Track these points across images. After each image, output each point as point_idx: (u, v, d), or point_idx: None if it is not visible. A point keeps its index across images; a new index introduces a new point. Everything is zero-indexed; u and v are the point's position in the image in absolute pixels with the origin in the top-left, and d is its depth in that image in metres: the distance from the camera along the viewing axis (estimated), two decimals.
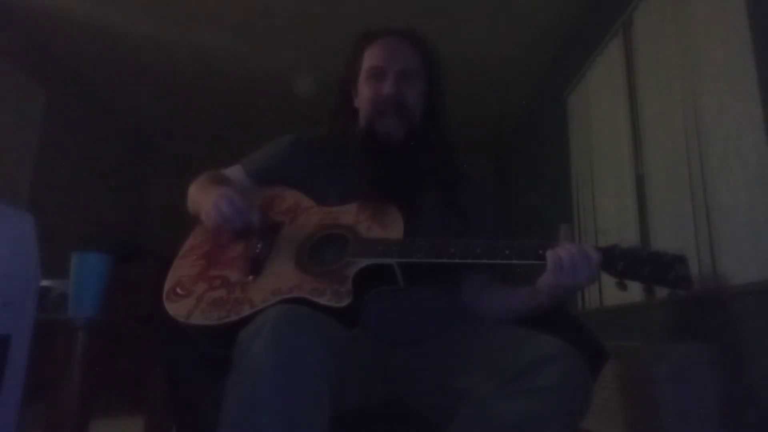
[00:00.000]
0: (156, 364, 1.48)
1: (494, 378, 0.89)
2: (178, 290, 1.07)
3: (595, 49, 2.82)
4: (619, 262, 0.93)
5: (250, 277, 1.06)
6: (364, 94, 1.25)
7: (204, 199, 1.14)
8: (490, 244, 0.98)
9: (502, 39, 3.42)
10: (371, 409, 1.05)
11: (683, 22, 2.05)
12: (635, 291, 0.96)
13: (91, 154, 4.24)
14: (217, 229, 1.12)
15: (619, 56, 2.60)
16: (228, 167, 1.31)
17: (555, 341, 0.89)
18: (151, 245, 3.81)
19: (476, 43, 3.41)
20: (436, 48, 1.30)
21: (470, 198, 1.25)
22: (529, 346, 0.90)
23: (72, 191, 3.96)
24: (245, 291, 1.02)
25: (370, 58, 1.25)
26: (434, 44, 1.30)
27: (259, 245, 1.11)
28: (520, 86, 4.02)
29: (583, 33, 3.09)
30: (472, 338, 1.03)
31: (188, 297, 1.04)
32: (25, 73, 3.39)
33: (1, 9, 3.14)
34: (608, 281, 0.94)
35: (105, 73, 4.01)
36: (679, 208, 2.00)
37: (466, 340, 1.03)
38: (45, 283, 1.30)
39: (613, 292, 2.39)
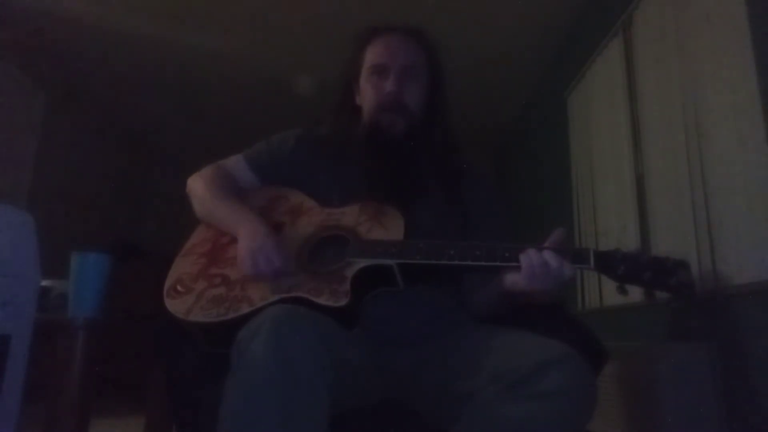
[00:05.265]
0: (156, 364, 1.48)
1: (498, 382, 0.88)
2: (179, 287, 1.07)
3: (595, 49, 2.81)
4: (620, 267, 0.93)
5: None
6: (366, 92, 1.24)
7: (234, 225, 1.11)
8: (489, 246, 0.98)
9: (502, 39, 3.42)
10: (371, 409, 1.05)
11: (683, 22, 2.05)
12: (635, 292, 0.96)
13: (91, 154, 4.25)
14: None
15: (619, 56, 2.59)
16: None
17: (560, 345, 0.89)
18: (151, 245, 3.82)
19: (476, 42, 3.40)
20: (438, 43, 1.29)
21: (473, 194, 1.25)
22: (534, 349, 0.89)
23: (72, 191, 3.96)
24: (245, 289, 1.03)
25: (372, 55, 1.24)
26: (435, 39, 1.29)
27: None
28: (520, 86, 4.01)
29: (583, 33, 3.08)
30: (474, 340, 1.02)
31: (188, 294, 1.05)
32: (25, 73, 3.39)
33: (1, 9, 3.15)
34: (608, 282, 0.94)
35: (105, 74, 4.00)
36: (679, 208, 2.00)
37: (467, 342, 1.02)
38: (45, 283, 1.30)
39: (613, 293, 2.39)
